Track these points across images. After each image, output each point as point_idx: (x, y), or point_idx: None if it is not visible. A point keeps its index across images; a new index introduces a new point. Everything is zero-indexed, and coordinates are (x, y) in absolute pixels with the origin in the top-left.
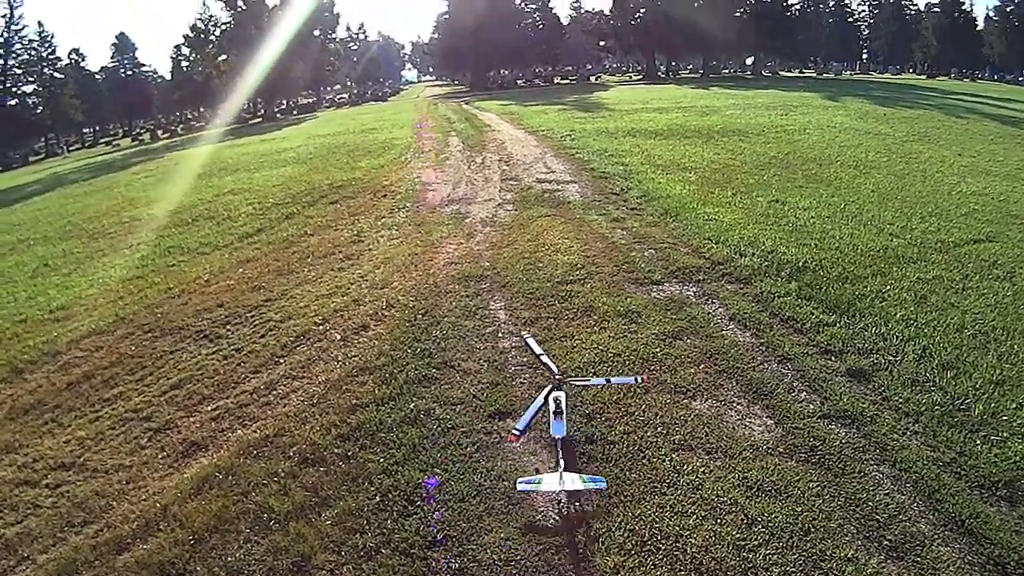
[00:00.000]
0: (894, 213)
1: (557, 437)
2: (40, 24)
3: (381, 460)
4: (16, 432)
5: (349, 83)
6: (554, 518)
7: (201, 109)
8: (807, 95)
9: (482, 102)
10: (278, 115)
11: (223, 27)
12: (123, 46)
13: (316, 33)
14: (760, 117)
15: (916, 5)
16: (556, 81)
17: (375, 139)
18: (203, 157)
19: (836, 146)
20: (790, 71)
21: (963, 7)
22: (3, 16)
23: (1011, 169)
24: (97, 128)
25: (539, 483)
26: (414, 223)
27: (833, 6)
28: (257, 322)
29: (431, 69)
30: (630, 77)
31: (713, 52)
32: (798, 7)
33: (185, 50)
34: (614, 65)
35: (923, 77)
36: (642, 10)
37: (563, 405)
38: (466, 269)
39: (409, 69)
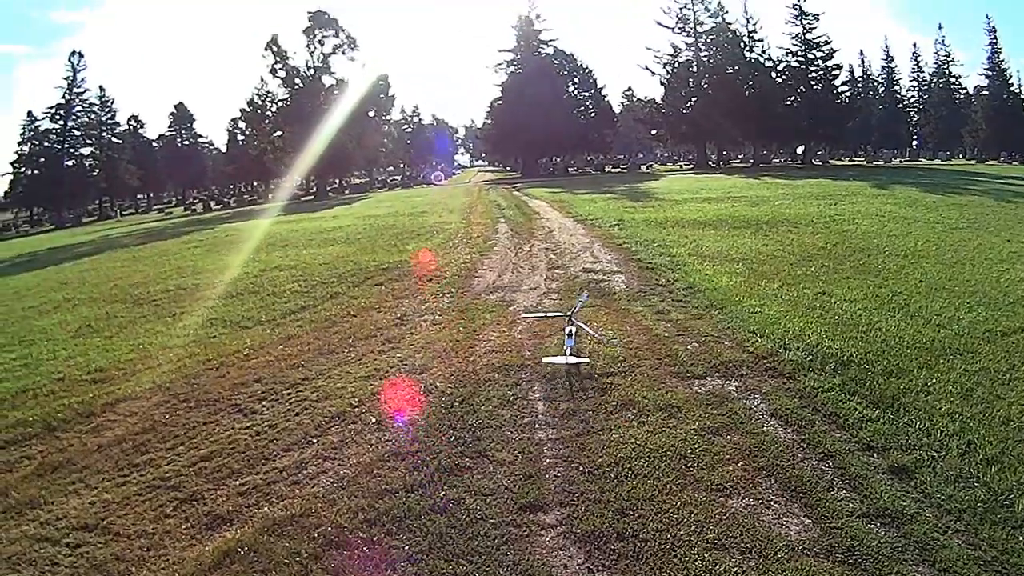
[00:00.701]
0: (942, 303)
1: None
2: (101, 88)
3: (406, 547)
4: (43, 488)
5: (402, 165)
6: None
7: (254, 183)
8: (856, 184)
9: (532, 189)
10: (330, 193)
11: (279, 103)
12: (181, 116)
13: (371, 114)
14: (809, 207)
15: (965, 88)
16: (607, 169)
17: (424, 222)
18: (253, 231)
19: (884, 235)
20: (840, 159)
21: (1012, 88)
22: (66, 78)
23: None
24: (151, 195)
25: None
26: (457, 309)
27: (883, 93)
28: (293, 400)
29: (483, 154)
30: (681, 166)
31: (764, 141)
32: (848, 95)
33: (241, 124)
34: (665, 154)
35: (972, 162)
36: (693, 99)
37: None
38: (507, 358)
39: (462, 153)
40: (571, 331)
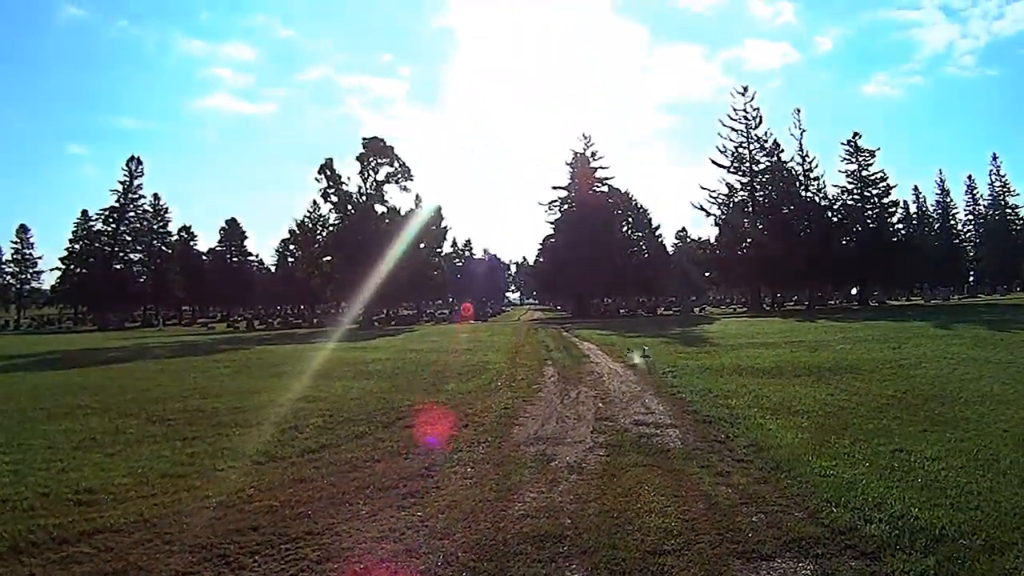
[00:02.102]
0: None
1: None
2: (156, 196)
3: None
4: None
5: (451, 299)
6: None
7: (301, 307)
8: (917, 324)
9: (582, 330)
10: (376, 323)
11: (330, 228)
12: (232, 232)
13: (422, 245)
14: (872, 351)
15: (1022, 219)
16: (659, 312)
17: (467, 360)
18: (288, 356)
19: (956, 380)
20: (897, 299)
21: None
22: (122, 182)
23: None
24: (196, 308)
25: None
26: (493, 461)
27: (939, 229)
28: (290, 558)
29: (535, 292)
30: (734, 309)
31: (819, 283)
32: (904, 232)
33: (291, 247)
34: (718, 296)
35: None
36: (748, 239)
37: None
38: (543, 526)
39: (513, 291)
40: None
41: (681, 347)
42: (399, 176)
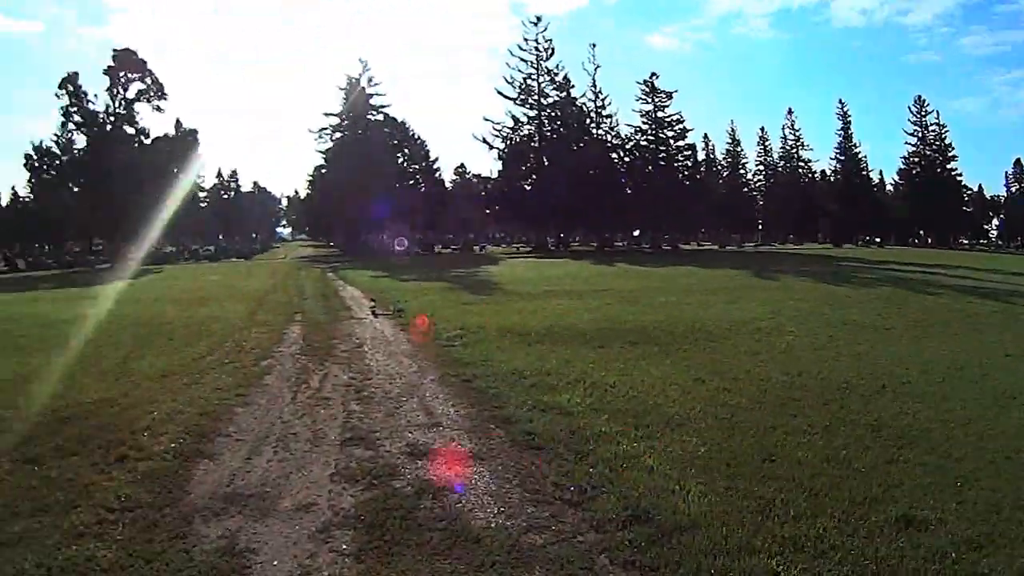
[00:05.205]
0: None
1: None
2: None
3: None
4: None
5: (220, 237)
6: None
7: (48, 245)
8: (732, 272)
9: (348, 271)
10: (129, 262)
11: (75, 153)
12: None
13: (178, 174)
14: (709, 308)
15: (814, 172)
16: (437, 250)
17: (193, 315)
18: None
19: (850, 355)
20: (689, 243)
21: (863, 171)
22: None
23: None
24: None
25: None
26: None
27: (727, 176)
28: None
29: (306, 228)
30: (517, 248)
31: (608, 223)
32: (693, 178)
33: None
34: (499, 234)
35: (829, 245)
36: (533, 175)
37: None
38: None
39: (284, 226)
40: None
41: (467, 296)
42: (151, 94)
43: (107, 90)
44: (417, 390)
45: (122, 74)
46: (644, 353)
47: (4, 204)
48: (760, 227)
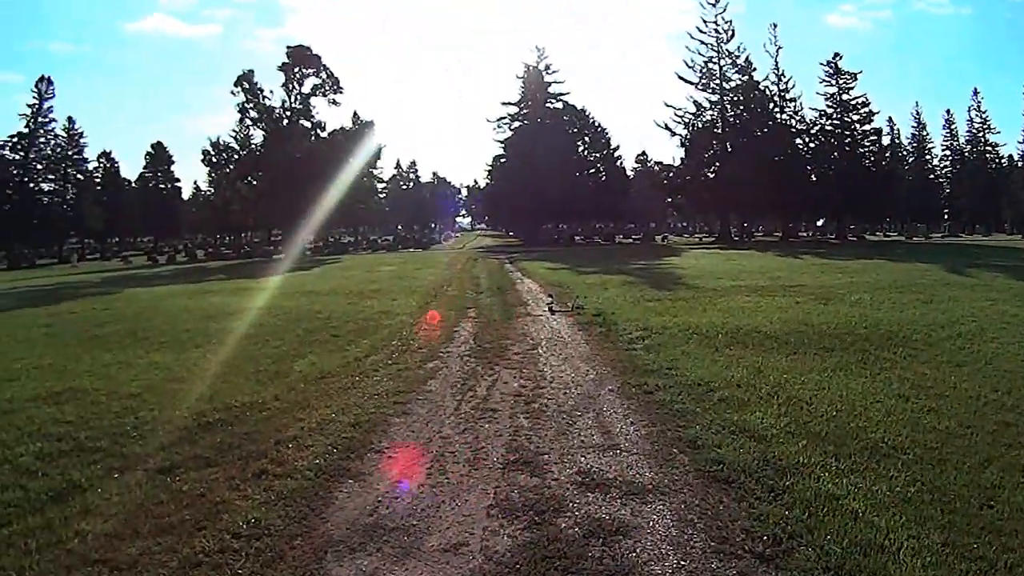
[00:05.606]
0: None
1: None
2: (70, 120)
3: None
4: None
5: (399, 227)
6: None
7: (229, 237)
8: (923, 267)
9: (527, 263)
10: (309, 252)
11: (250, 149)
12: (158, 157)
13: (356, 165)
14: (904, 308)
15: (1003, 158)
16: (617, 240)
17: (364, 308)
18: (145, 304)
19: None
20: (874, 234)
21: None
22: (31, 105)
23: None
24: (118, 239)
25: None
26: None
27: (913, 163)
28: None
29: (486, 218)
30: (700, 239)
31: (792, 212)
32: (880, 165)
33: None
34: (680, 224)
35: (1019, 236)
36: (716, 163)
37: None
38: None
39: (464, 216)
40: None
41: (650, 292)
42: (326, 88)
43: (283, 86)
44: (594, 403)
45: (297, 70)
46: (841, 362)
47: (186, 198)
48: (946, 216)
